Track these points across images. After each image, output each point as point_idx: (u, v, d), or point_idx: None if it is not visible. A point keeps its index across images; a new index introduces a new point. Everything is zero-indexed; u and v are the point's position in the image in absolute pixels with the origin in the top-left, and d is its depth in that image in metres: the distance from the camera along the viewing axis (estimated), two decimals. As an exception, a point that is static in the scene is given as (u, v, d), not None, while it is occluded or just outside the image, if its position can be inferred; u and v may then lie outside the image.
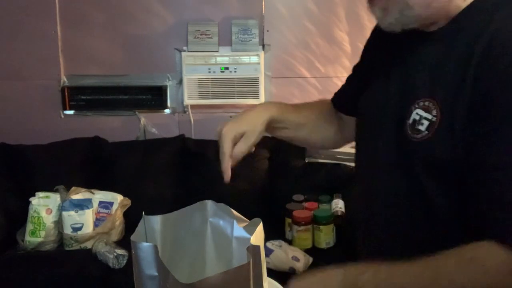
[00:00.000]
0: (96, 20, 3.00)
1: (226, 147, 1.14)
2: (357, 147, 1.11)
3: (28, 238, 2.45)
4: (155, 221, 1.21)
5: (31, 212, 2.47)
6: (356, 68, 1.19)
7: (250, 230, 1.20)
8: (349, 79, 1.20)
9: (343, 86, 1.22)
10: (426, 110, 0.83)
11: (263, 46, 3.01)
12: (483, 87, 0.76)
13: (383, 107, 0.95)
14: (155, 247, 1.00)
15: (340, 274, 0.82)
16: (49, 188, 2.56)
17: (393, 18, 0.87)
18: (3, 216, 2.53)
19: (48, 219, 2.46)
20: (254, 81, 2.97)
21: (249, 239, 1.17)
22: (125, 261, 2.26)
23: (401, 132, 0.87)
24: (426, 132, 0.82)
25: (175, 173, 2.84)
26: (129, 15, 3.00)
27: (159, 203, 2.69)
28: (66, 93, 3.02)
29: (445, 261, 0.76)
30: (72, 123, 3.07)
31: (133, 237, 1.06)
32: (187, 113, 3.07)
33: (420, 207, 0.87)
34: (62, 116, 3.07)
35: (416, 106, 0.85)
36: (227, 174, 1.12)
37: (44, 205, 2.48)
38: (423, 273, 0.76)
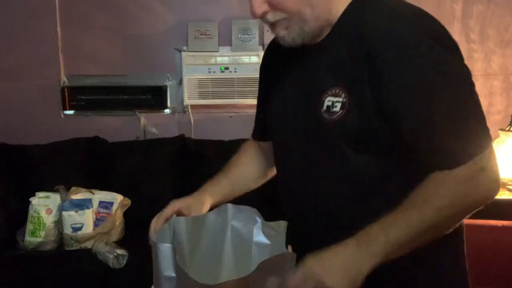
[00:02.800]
0: (96, 20, 3.00)
1: (165, 211, 1.32)
2: (274, 154, 1.25)
3: (28, 238, 2.45)
4: (182, 223, 1.22)
5: (31, 212, 2.47)
6: (259, 97, 1.40)
7: (271, 235, 1.21)
8: (257, 109, 1.40)
9: (256, 118, 1.42)
10: (336, 95, 1.00)
11: (263, 46, 3.01)
12: (373, 57, 0.94)
13: (287, 108, 1.12)
14: (173, 248, 1.00)
15: (354, 246, 0.93)
16: (49, 188, 2.56)
17: (295, 34, 1.03)
18: (3, 216, 2.53)
19: (48, 219, 2.47)
20: (254, 81, 2.97)
21: (268, 245, 1.18)
22: (125, 261, 2.26)
23: (316, 120, 1.03)
24: (341, 110, 0.99)
25: (175, 173, 2.84)
26: (129, 15, 3.00)
27: (159, 203, 2.67)
28: (66, 93, 3.02)
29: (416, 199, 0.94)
30: (72, 123, 3.07)
31: (155, 238, 1.06)
32: (187, 113, 3.07)
33: (350, 178, 1.02)
34: (62, 116, 3.07)
35: (327, 95, 1.01)
36: (151, 233, 1.21)
37: (44, 205, 2.48)
38: (411, 214, 0.93)
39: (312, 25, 1.02)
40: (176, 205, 1.33)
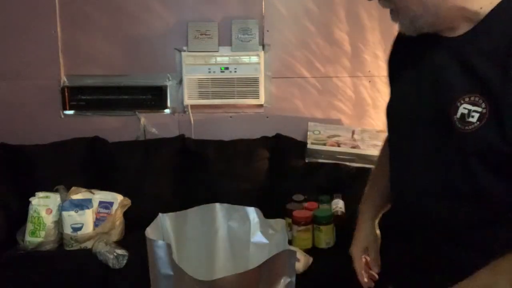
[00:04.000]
0: (96, 20, 3.00)
1: (358, 266, 1.22)
2: (390, 155, 1.13)
3: (28, 238, 2.45)
4: (167, 219, 1.21)
5: (31, 212, 2.47)
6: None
7: (270, 234, 1.20)
8: None
9: None
10: (474, 104, 0.88)
11: (263, 46, 3.01)
12: None
13: (416, 108, 1.00)
14: (169, 246, 1.00)
15: None
16: (49, 188, 2.56)
17: (405, 27, 0.97)
18: (3, 216, 2.53)
19: (48, 219, 2.46)
20: (254, 81, 2.97)
21: (267, 244, 1.19)
22: (125, 261, 2.26)
23: (445, 127, 0.91)
24: (478, 122, 0.87)
25: (175, 173, 2.84)
26: (129, 15, 3.00)
27: (159, 203, 2.69)
28: (66, 93, 3.02)
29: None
30: (72, 123, 3.07)
31: (149, 235, 1.06)
32: (187, 113, 3.07)
33: (472, 196, 0.91)
34: (62, 116, 3.07)
35: (462, 101, 0.89)
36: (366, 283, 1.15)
37: (44, 205, 2.48)
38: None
39: (426, 19, 0.95)
40: (360, 255, 1.23)
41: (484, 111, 0.87)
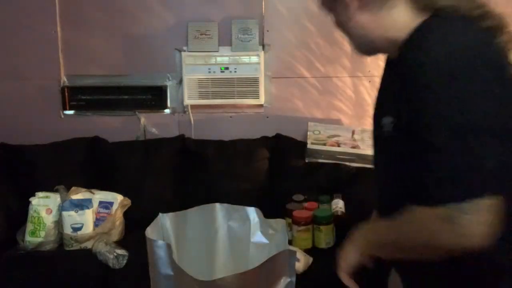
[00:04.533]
0: (96, 20, 3.00)
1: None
2: None
3: (28, 238, 2.45)
4: (167, 219, 1.21)
5: (31, 212, 2.47)
6: None
7: (270, 234, 1.20)
8: None
9: None
10: (389, 115, 1.06)
11: (263, 46, 3.01)
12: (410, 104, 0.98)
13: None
14: (169, 246, 1.00)
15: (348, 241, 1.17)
16: (49, 188, 2.56)
17: (355, 49, 1.17)
18: (3, 216, 2.53)
19: (48, 219, 2.46)
20: (254, 81, 2.97)
21: (267, 244, 1.18)
22: (125, 261, 2.26)
23: (380, 131, 1.10)
24: (391, 130, 1.04)
25: (175, 173, 2.84)
26: (129, 15, 3.00)
27: (159, 203, 2.69)
28: (66, 93, 3.02)
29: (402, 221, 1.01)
30: (72, 123, 3.07)
31: (149, 235, 1.06)
32: (187, 113, 3.07)
33: (393, 176, 1.10)
34: (62, 116, 3.07)
35: (383, 115, 1.07)
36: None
37: (44, 205, 2.48)
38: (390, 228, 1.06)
39: (366, 46, 1.14)
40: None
41: (393, 121, 1.04)
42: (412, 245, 1.00)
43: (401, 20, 1.04)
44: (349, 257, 1.17)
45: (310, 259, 2.25)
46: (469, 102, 0.91)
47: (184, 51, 2.98)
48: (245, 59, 2.96)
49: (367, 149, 2.73)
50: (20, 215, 2.53)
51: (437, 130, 0.92)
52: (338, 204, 2.49)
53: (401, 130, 1.00)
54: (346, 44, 3.05)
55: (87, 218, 2.46)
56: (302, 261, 2.19)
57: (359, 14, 1.08)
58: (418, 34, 0.99)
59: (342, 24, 1.14)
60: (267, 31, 3.01)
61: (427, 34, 0.97)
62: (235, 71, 2.97)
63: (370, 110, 1.18)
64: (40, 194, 2.50)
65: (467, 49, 0.94)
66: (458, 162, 0.90)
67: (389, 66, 1.15)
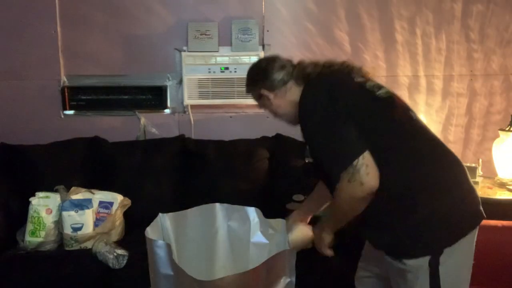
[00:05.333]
0: (96, 20, 3.00)
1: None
2: None
3: (28, 238, 2.44)
4: (167, 219, 1.21)
5: (31, 212, 2.47)
6: None
7: (270, 234, 1.20)
8: None
9: None
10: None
11: (263, 46, 3.01)
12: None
13: None
14: (169, 246, 1.00)
15: (319, 228, 1.65)
16: (49, 188, 2.55)
17: (285, 121, 1.80)
18: (3, 216, 2.53)
19: (48, 219, 2.46)
20: (254, 81, 2.97)
21: (267, 244, 1.18)
22: (125, 261, 2.26)
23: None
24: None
25: (175, 173, 2.84)
26: (129, 15, 3.00)
27: (159, 203, 2.69)
28: (66, 93, 3.02)
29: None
30: (72, 123, 3.07)
31: (149, 235, 1.06)
32: (187, 113, 3.07)
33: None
34: (62, 116, 3.08)
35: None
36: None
37: (44, 205, 2.48)
38: (332, 212, 1.57)
39: (290, 118, 1.72)
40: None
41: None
42: (346, 210, 1.47)
43: (295, 94, 1.63)
44: (326, 239, 1.61)
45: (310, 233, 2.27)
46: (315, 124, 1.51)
47: (184, 51, 2.98)
48: (245, 59, 2.96)
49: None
50: (20, 215, 2.53)
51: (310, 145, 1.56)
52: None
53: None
54: (346, 44, 3.05)
55: (87, 218, 2.46)
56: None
57: (275, 100, 1.70)
58: (300, 98, 1.59)
59: (268, 108, 1.75)
60: (267, 31, 3.01)
61: (301, 97, 1.59)
62: (235, 71, 2.97)
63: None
64: (40, 194, 2.50)
65: (317, 95, 1.53)
66: (332, 151, 1.45)
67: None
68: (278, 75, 1.71)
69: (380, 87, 1.60)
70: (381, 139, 1.48)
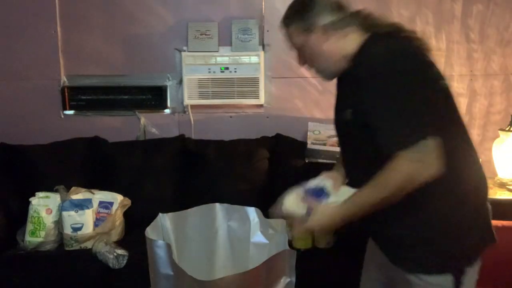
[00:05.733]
0: (96, 20, 3.00)
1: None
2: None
3: (28, 238, 2.45)
4: (167, 219, 1.21)
5: (31, 212, 2.47)
6: None
7: (270, 234, 1.20)
8: None
9: None
10: (348, 111, 1.43)
11: (263, 46, 3.01)
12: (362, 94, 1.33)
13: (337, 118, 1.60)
14: (169, 246, 1.00)
15: (337, 207, 1.38)
16: (49, 188, 2.55)
17: (322, 78, 1.58)
18: (3, 216, 2.53)
19: (48, 219, 2.46)
20: (254, 81, 2.97)
21: (267, 244, 1.19)
22: (125, 261, 2.26)
23: (343, 119, 1.46)
24: (352, 116, 1.40)
25: (175, 173, 2.84)
26: (129, 15, 3.00)
27: (159, 203, 2.69)
28: (66, 93, 3.02)
29: (377, 181, 1.29)
30: (72, 123, 3.07)
31: (149, 235, 1.06)
32: (187, 113, 3.07)
33: (361, 151, 1.41)
34: (62, 116, 3.07)
35: (346, 109, 1.44)
36: None
37: (44, 205, 2.48)
38: (369, 191, 1.31)
39: (332, 69, 1.48)
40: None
41: (352, 111, 1.39)
42: (387, 193, 1.27)
43: (353, 41, 1.41)
44: (335, 221, 1.38)
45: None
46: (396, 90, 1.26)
47: (184, 51, 2.98)
48: (245, 59, 2.96)
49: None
50: (20, 215, 2.53)
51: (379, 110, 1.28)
52: (338, 204, 2.49)
53: (357, 115, 1.36)
54: (346, 44, 3.04)
55: (87, 218, 2.46)
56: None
57: (323, 44, 1.44)
58: (365, 47, 1.37)
59: (309, 58, 1.50)
60: (267, 31, 3.01)
61: (370, 48, 1.35)
62: (235, 71, 2.97)
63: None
64: (40, 194, 2.50)
65: (393, 52, 1.30)
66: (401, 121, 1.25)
67: (343, 76, 1.49)
68: (336, 16, 1.43)
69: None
70: (448, 129, 1.32)
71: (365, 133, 1.32)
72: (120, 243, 2.39)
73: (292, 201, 1.50)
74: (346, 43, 1.41)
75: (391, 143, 1.24)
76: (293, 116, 3.08)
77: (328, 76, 1.52)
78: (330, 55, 1.44)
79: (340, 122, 1.55)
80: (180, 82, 3.02)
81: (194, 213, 1.27)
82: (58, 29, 2.99)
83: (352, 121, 1.38)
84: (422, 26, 3.09)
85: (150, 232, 1.11)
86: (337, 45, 1.43)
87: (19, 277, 2.22)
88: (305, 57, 1.50)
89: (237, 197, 2.56)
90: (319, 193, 1.57)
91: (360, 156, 1.43)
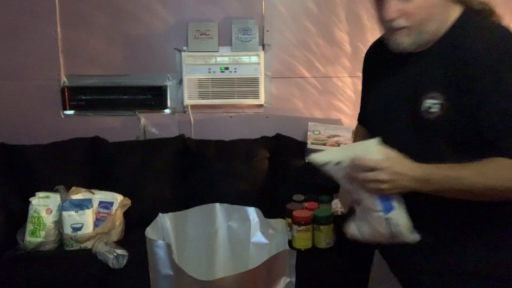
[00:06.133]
0: (96, 20, 3.00)
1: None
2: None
3: (28, 238, 2.45)
4: (167, 219, 1.21)
5: (31, 212, 2.47)
6: (362, 90, 1.51)
7: (270, 234, 1.20)
8: (361, 99, 1.52)
9: (360, 106, 1.53)
10: (434, 98, 1.18)
11: (263, 46, 3.01)
12: (478, 83, 1.14)
13: (390, 105, 1.29)
14: (169, 246, 1.00)
15: (422, 167, 1.14)
16: (49, 188, 2.56)
17: (411, 42, 1.21)
18: (3, 216, 2.53)
19: (48, 219, 2.46)
20: (254, 81, 2.97)
21: (267, 244, 1.19)
22: (125, 261, 2.26)
23: (416, 116, 1.21)
24: (440, 111, 1.17)
25: (175, 173, 2.84)
26: (129, 15, 3.00)
27: (159, 203, 2.69)
28: (66, 93, 3.02)
29: (482, 165, 1.11)
30: (72, 123, 3.07)
31: (149, 235, 1.06)
32: (187, 113, 3.07)
33: (433, 160, 1.15)
34: (62, 116, 3.07)
35: (426, 99, 1.19)
36: None
37: (44, 205, 2.48)
38: (472, 172, 1.11)
39: (425, 37, 1.21)
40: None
41: (444, 103, 1.16)
42: (490, 188, 1.10)
43: (449, 13, 1.21)
44: (415, 172, 1.13)
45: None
46: None
47: (184, 51, 2.98)
48: (245, 59, 2.96)
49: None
50: (20, 215, 2.53)
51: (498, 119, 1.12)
52: (338, 204, 2.49)
53: (450, 109, 1.15)
54: (346, 44, 3.05)
55: (87, 218, 2.46)
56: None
57: (438, 5, 1.19)
58: (467, 29, 1.19)
59: (417, 9, 1.18)
60: (267, 31, 3.01)
61: (478, 32, 1.18)
62: (235, 71, 2.97)
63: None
64: (40, 194, 2.50)
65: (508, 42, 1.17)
66: None
67: (415, 57, 1.25)
68: None
69: None
70: None
71: (453, 129, 1.15)
72: (120, 243, 2.40)
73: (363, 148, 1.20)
74: (447, 12, 1.21)
75: None
76: (293, 116, 3.08)
77: (416, 43, 1.22)
78: (435, 19, 1.20)
79: (400, 113, 1.26)
80: (180, 82, 3.02)
81: (194, 213, 1.27)
82: (58, 29, 2.99)
83: (442, 114, 1.16)
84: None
85: (150, 232, 1.11)
86: (443, 9, 1.21)
87: (19, 277, 2.22)
88: (409, 7, 1.17)
89: (237, 197, 2.56)
90: None
91: (425, 158, 1.16)
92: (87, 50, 3.03)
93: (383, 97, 1.32)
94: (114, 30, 3.02)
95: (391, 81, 1.30)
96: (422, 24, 1.19)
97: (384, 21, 1.22)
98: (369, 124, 1.42)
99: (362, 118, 1.52)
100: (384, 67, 1.34)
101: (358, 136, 1.52)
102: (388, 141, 1.18)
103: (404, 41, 1.21)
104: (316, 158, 1.25)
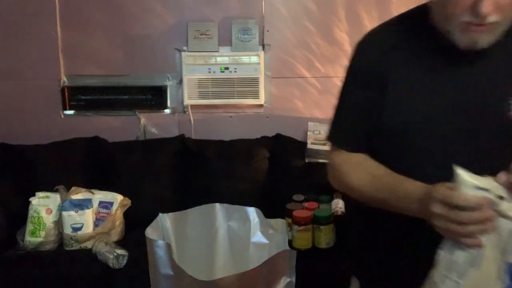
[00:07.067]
0: (96, 20, 3.00)
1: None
2: (414, 160, 1.15)
3: (28, 238, 2.45)
4: (167, 219, 1.21)
5: (31, 212, 2.47)
6: (357, 104, 1.29)
7: (270, 234, 1.20)
8: (351, 117, 1.31)
9: (347, 127, 1.32)
10: None
11: (263, 46, 3.01)
12: None
13: (455, 109, 1.11)
14: (169, 246, 1.00)
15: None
16: (49, 188, 2.56)
17: (492, 39, 1.07)
18: (3, 216, 2.53)
19: (48, 219, 2.47)
20: (254, 81, 2.97)
21: (267, 244, 1.19)
22: (125, 261, 2.26)
23: (502, 119, 1.09)
24: None
25: (175, 173, 2.84)
26: (129, 15, 3.00)
27: (159, 203, 2.69)
28: (66, 93, 3.02)
29: None
30: (72, 123, 3.07)
31: (149, 235, 1.06)
32: (187, 113, 3.07)
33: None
34: (62, 116, 3.07)
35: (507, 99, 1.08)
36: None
37: (44, 205, 2.48)
38: None
39: (501, 34, 1.08)
40: None
41: None
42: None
43: None
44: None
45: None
46: None
47: (184, 51, 2.98)
48: (245, 59, 2.96)
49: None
50: (20, 215, 2.53)
51: None
52: (338, 204, 2.49)
53: None
54: (346, 44, 3.05)
55: (87, 218, 2.46)
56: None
57: None
58: None
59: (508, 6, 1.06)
60: (267, 31, 3.01)
61: None
62: (235, 71, 2.97)
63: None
64: (40, 194, 2.50)
65: None
66: None
67: (482, 53, 1.10)
68: None
69: None
70: None
71: None
72: (120, 243, 2.40)
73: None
74: None
75: None
76: (293, 116, 3.08)
77: (494, 40, 1.09)
78: None
79: (474, 117, 1.11)
80: (180, 82, 3.02)
81: (194, 213, 1.28)
82: (58, 29, 2.99)
83: None
84: (422, 26, 3.09)
85: (150, 232, 1.11)
86: None
87: (19, 277, 2.22)
88: (504, 1, 1.05)
89: (237, 197, 2.56)
90: None
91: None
92: (87, 50, 3.03)
93: (438, 101, 1.12)
94: (114, 30, 3.02)
95: (446, 82, 1.12)
96: (507, 20, 1.07)
97: (467, 16, 1.04)
98: (405, 137, 1.15)
99: (363, 141, 1.25)
100: (419, 67, 1.15)
101: (368, 167, 1.21)
102: (446, 155, 1.07)
103: (485, 38, 1.06)
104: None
